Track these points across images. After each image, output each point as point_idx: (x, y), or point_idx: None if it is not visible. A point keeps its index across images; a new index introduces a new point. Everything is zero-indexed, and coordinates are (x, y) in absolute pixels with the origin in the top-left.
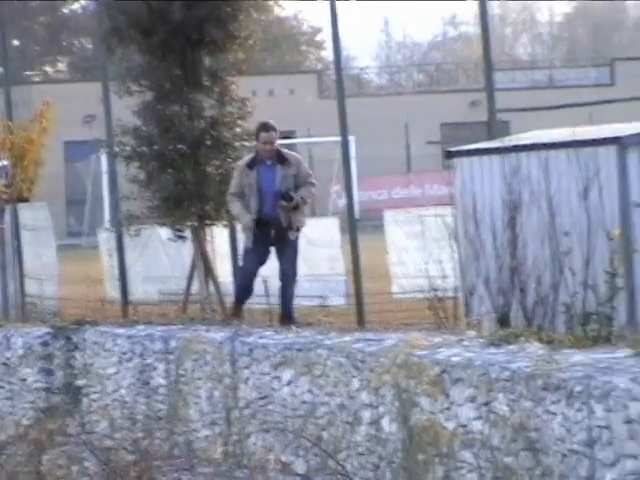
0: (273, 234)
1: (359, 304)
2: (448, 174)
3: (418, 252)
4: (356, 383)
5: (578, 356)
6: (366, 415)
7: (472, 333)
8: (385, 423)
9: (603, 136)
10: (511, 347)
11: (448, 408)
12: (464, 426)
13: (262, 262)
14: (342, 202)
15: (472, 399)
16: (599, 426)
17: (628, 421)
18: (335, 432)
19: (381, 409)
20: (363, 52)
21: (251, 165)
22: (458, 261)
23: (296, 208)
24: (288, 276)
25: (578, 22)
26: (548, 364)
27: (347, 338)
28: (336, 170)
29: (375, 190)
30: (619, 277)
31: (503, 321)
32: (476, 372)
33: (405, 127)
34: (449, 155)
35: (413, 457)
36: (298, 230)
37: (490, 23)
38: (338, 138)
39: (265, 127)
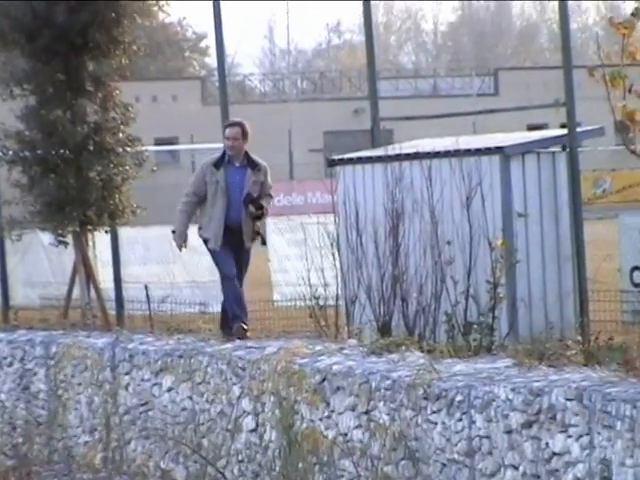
0: (237, 240)
1: None
2: (331, 182)
3: (300, 260)
4: (237, 390)
5: (459, 366)
6: (246, 422)
7: (353, 342)
8: (265, 431)
9: (486, 145)
10: (392, 356)
11: (328, 416)
12: (344, 434)
13: (235, 265)
14: None
15: (353, 408)
16: (479, 436)
17: (508, 431)
18: (215, 439)
19: (261, 417)
20: (247, 59)
21: (218, 164)
22: (340, 269)
23: (260, 217)
24: (239, 278)
25: (462, 31)
26: (429, 373)
27: (228, 345)
28: None
29: None
30: (501, 287)
31: (384, 330)
32: (357, 381)
33: (288, 134)
34: (332, 163)
35: (293, 465)
36: (255, 238)
37: (374, 31)
38: (221, 145)
39: (230, 123)
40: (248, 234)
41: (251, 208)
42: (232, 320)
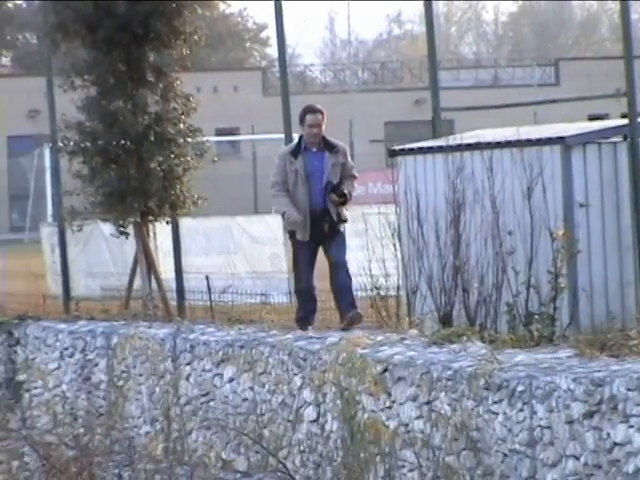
0: (323, 227)
1: None
2: (392, 172)
3: (361, 250)
4: (298, 381)
5: (520, 356)
6: (308, 413)
7: (414, 332)
8: (327, 421)
9: (547, 136)
10: (453, 346)
11: (390, 407)
12: (405, 425)
13: (314, 260)
14: None
15: (414, 398)
16: (541, 426)
17: (570, 421)
18: (276, 430)
19: (323, 407)
20: (308, 49)
21: (295, 153)
22: (401, 260)
23: (344, 204)
24: (344, 266)
25: (523, 21)
26: (490, 364)
27: (289, 336)
28: None
29: None
30: (562, 277)
31: (445, 320)
32: (418, 371)
33: (349, 125)
34: (393, 154)
35: (354, 455)
36: (345, 222)
37: (435, 21)
38: (282, 135)
39: (311, 109)
40: (337, 220)
41: (333, 196)
42: (299, 321)
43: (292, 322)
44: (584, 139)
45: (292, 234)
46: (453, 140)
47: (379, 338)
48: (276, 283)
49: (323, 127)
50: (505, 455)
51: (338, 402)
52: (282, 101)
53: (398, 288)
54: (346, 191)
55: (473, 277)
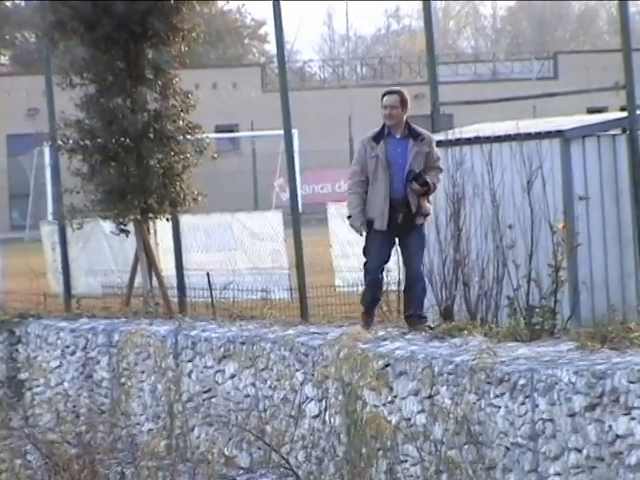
0: (401, 219)
1: (302, 297)
2: None
3: (362, 245)
4: (300, 376)
5: (522, 349)
6: (310, 408)
7: None
8: (329, 416)
9: (546, 129)
10: (454, 340)
11: (392, 401)
12: (408, 419)
13: (388, 256)
14: (286, 196)
15: (416, 392)
16: (543, 419)
17: (572, 414)
18: (279, 425)
19: (325, 402)
20: (307, 45)
21: (377, 138)
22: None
23: (426, 194)
24: (418, 269)
25: (521, 15)
26: (491, 357)
27: (291, 331)
28: (279, 163)
29: (319, 183)
30: (562, 270)
31: (447, 314)
32: (419, 365)
33: (348, 120)
34: None
35: (357, 450)
36: (426, 217)
37: (433, 16)
38: (281, 131)
39: (389, 91)
40: (416, 212)
41: (415, 185)
42: (365, 306)
43: (293, 318)
44: (583, 132)
45: (370, 223)
46: (452, 134)
47: (380, 333)
48: (277, 279)
49: (403, 112)
50: (507, 449)
51: (340, 397)
52: (281, 97)
53: (399, 283)
54: (429, 180)
55: (474, 271)
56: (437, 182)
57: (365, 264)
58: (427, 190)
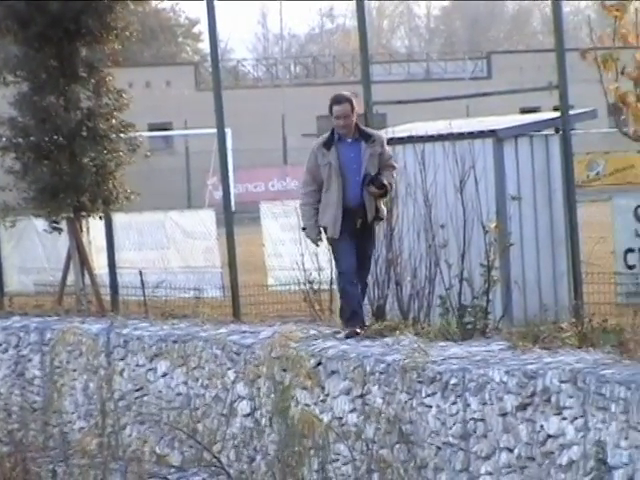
0: (359, 225)
1: (235, 296)
2: None
3: (294, 244)
4: (232, 375)
5: (453, 349)
6: (241, 407)
7: None
8: (260, 415)
9: (479, 129)
10: (386, 340)
11: (323, 400)
12: (339, 418)
13: (357, 254)
14: (219, 194)
15: (347, 391)
16: (474, 419)
17: (503, 414)
18: (210, 424)
19: (256, 401)
20: (240, 44)
21: (328, 144)
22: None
23: (384, 196)
24: (366, 274)
25: (455, 15)
26: (423, 357)
27: (223, 330)
28: (213, 162)
29: (252, 182)
30: (495, 270)
31: (379, 314)
32: (351, 364)
33: (282, 119)
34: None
35: (288, 449)
36: (382, 220)
37: (367, 16)
38: (214, 130)
39: (337, 100)
40: (372, 213)
41: (372, 189)
42: (349, 320)
43: (225, 316)
44: (516, 132)
45: (324, 229)
46: (385, 134)
47: (312, 332)
48: (209, 278)
49: (353, 117)
50: (439, 448)
51: (272, 396)
52: (214, 96)
53: (331, 282)
54: (386, 182)
55: (406, 270)
56: (393, 181)
57: (337, 271)
58: (385, 192)
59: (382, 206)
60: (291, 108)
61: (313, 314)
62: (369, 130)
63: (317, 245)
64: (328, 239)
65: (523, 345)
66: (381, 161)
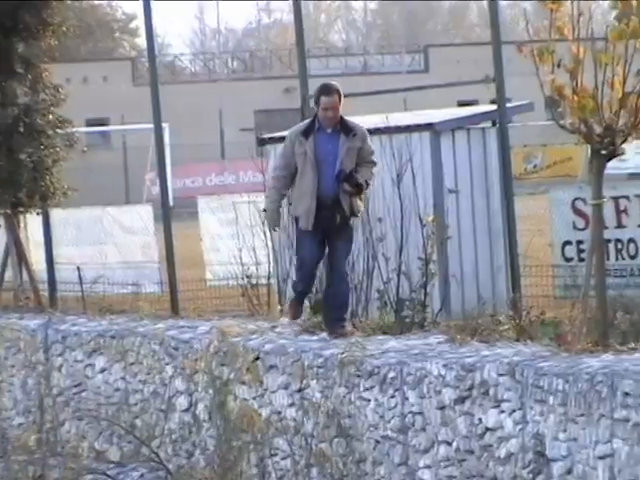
0: (339, 220)
1: (173, 291)
2: (261, 161)
3: (232, 239)
4: (170, 370)
5: (391, 342)
6: (180, 402)
7: (285, 320)
8: (199, 410)
9: (416, 122)
10: (324, 334)
11: (262, 395)
12: (278, 413)
13: (321, 252)
14: (156, 189)
15: (286, 386)
16: (412, 412)
17: (441, 407)
18: (149, 419)
19: (195, 396)
20: (177, 39)
21: (306, 133)
22: (272, 248)
23: (358, 194)
24: (344, 269)
25: (393, 9)
26: (361, 351)
27: (161, 325)
28: (150, 157)
29: (189, 177)
30: (432, 263)
31: (316, 308)
32: (289, 359)
33: (219, 114)
34: (262, 142)
35: (227, 444)
36: (357, 216)
37: (304, 10)
38: (152, 125)
39: (327, 89)
40: (347, 209)
41: (346, 186)
42: (295, 297)
43: (163, 311)
44: (453, 125)
45: (296, 220)
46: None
47: (250, 326)
48: (147, 273)
49: (340, 109)
50: (377, 442)
51: (210, 391)
52: (151, 91)
53: (269, 276)
54: (361, 180)
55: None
56: (370, 178)
57: (297, 261)
58: (359, 190)
59: (358, 202)
60: (228, 103)
61: (251, 309)
62: (352, 123)
63: (274, 230)
64: (297, 230)
65: (461, 338)
66: (360, 156)
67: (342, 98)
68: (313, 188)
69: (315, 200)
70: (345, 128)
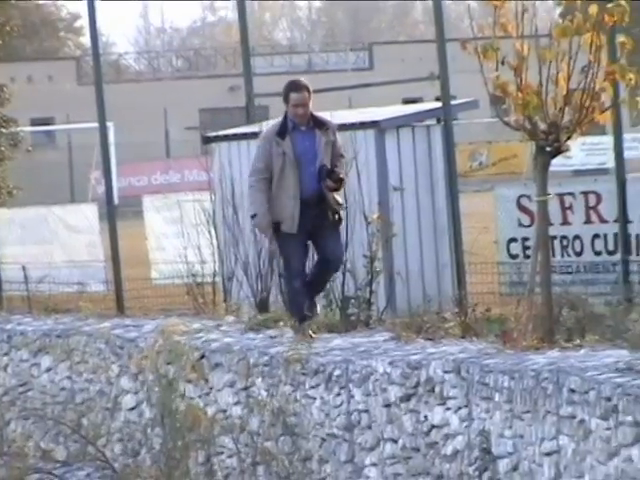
0: (316, 217)
1: (118, 290)
2: (206, 159)
3: (177, 238)
4: (116, 369)
5: (337, 340)
6: (126, 401)
7: (231, 318)
8: (145, 409)
9: (361, 120)
10: (270, 332)
11: (208, 393)
12: (224, 411)
13: (307, 254)
14: (102, 188)
15: (231, 384)
16: (358, 410)
17: (387, 405)
18: (95, 418)
19: (141, 395)
20: (122, 38)
21: (282, 133)
22: (217, 246)
23: (338, 189)
24: (342, 261)
25: (337, 6)
26: (307, 349)
27: (106, 324)
28: (95, 156)
29: (135, 176)
30: (378, 261)
31: (262, 306)
32: (235, 357)
33: (164, 113)
34: (207, 140)
35: (173, 442)
36: (344, 210)
37: (249, 8)
38: (97, 124)
39: (295, 86)
40: (332, 206)
41: (329, 182)
42: (297, 315)
43: (109, 310)
44: (398, 123)
45: (277, 226)
46: (267, 126)
47: (196, 325)
48: (93, 272)
49: (310, 105)
50: (323, 440)
51: (156, 389)
52: (96, 90)
53: (214, 275)
54: (342, 175)
55: None
56: (344, 172)
57: (287, 270)
58: (340, 186)
59: (337, 196)
60: (173, 101)
61: (197, 307)
62: (322, 117)
63: (266, 235)
64: (279, 234)
65: (407, 336)
66: (334, 151)
67: (311, 94)
68: (295, 189)
69: (299, 201)
70: (317, 123)
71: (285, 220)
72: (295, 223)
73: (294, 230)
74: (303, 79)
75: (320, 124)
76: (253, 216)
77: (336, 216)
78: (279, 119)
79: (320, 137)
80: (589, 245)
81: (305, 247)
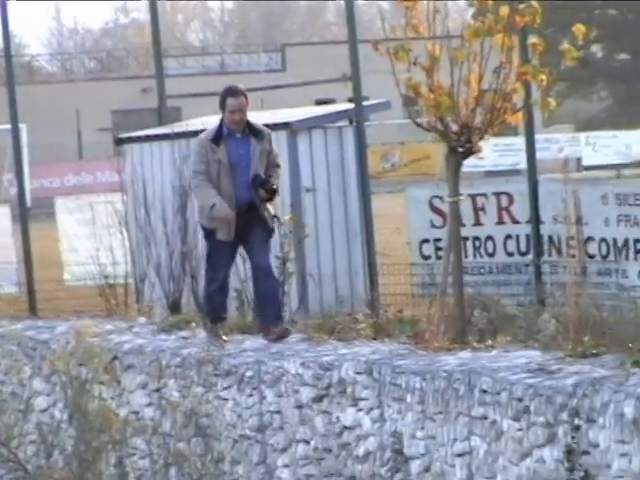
0: (245, 224)
1: (30, 292)
2: (119, 161)
3: (89, 239)
4: (28, 370)
5: (249, 342)
6: (38, 402)
7: (143, 320)
8: (58, 410)
9: (273, 121)
10: (182, 333)
11: (120, 394)
12: (136, 412)
13: (234, 260)
14: (14, 190)
15: (144, 385)
16: (270, 411)
17: (299, 406)
18: (7, 420)
19: (53, 397)
20: (35, 39)
21: (216, 139)
22: (129, 248)
23: (271, 200)
24: (270, 270)
25: (250, 7)
26: (219, 350)
27: (18, 326)
28: (8, 158)
29: (47, 178)
30: (290, 262)
31: (174, 307)
32: (147, 358)
33: (76, 114)
34: (119, 142)
35: (86, 444)
36: (274, 218)
37: (161, 9)
38: (9, 126)
39: (233, 91)
40: (265, 214)
41: (262, 193)
42: (214, 321)
43: (21, 312)
44: (310, 124)
45: (209, 233)
46: (179, 127)
47: (108, 327)
48: (5, 274)
49: (247, 111)
50: (235, 441)
51: (69, 391)
52: (8, 91)
53: (126, 276)
54: (275, 187)
55: (201, 264)
56: (278, 182)
57: (209, 273)
58: (273, 196)
59: (271, 208)
60: (86, 103)
61: (109, 309)
62: (258, 125)
63: (229, 218)
64: (210, 242)
65: (319, 337)
66: (268, 160)
67: (248, 100)
68: (230, 197)
69: (235, 210)
70: (253, 131)
71: (221, 228)
72: (232, 232)
73: (231, 238)
74: (240, 85)
75: (256, 132)
76: (212, 207)
77: (267, 228)
78: (215, 126)
79: (255, 145)
80: (501, 246)
81: (234, 253)
